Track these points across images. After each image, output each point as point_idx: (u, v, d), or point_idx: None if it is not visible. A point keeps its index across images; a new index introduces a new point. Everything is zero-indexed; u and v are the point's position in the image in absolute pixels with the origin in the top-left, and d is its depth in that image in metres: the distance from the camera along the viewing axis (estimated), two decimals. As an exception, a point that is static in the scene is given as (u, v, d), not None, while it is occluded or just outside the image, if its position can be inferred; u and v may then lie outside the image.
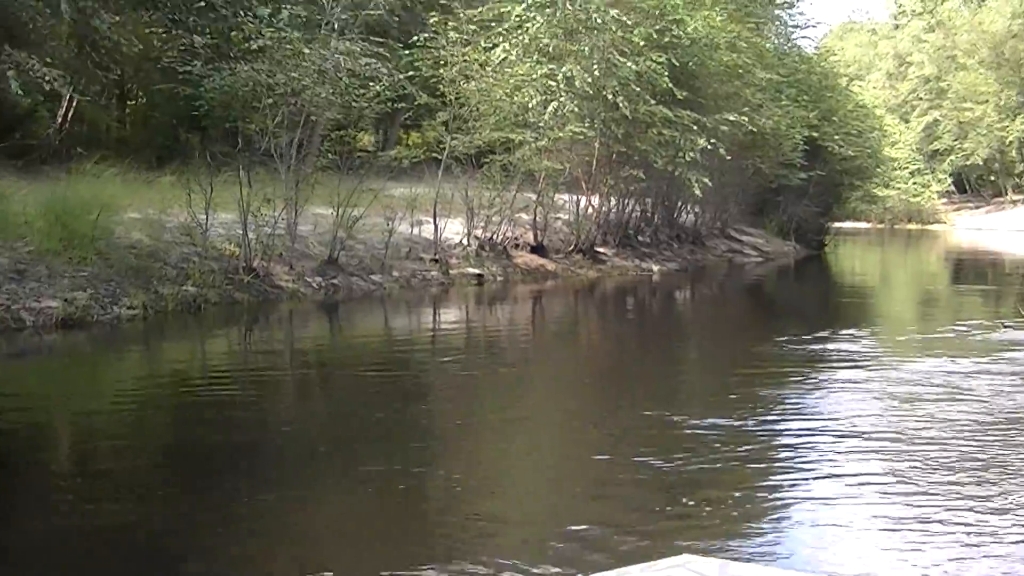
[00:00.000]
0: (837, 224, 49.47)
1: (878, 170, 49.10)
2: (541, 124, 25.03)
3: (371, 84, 20.40)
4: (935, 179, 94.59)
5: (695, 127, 28.03)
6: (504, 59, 24.92)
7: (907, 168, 73.90)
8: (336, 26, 20.89)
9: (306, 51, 19.12)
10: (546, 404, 12.07)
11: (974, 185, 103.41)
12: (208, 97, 19.04)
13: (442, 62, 23.10)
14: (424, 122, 24.63)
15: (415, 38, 23.42)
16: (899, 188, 64.92)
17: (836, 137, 40.73)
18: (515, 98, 24.20)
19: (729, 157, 30.15)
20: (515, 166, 25.10)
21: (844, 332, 17.41)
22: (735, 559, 6.16)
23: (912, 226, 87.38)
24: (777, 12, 43.86)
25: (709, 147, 28.12)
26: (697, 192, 28.83)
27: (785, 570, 6.26)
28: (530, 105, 24.57)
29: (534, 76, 24.67)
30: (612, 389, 13.17)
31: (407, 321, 19.55)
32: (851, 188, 46.80)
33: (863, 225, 68.27)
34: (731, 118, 29.40)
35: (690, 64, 28.64)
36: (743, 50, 31.41)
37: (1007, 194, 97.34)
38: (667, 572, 4.69)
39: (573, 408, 11.79)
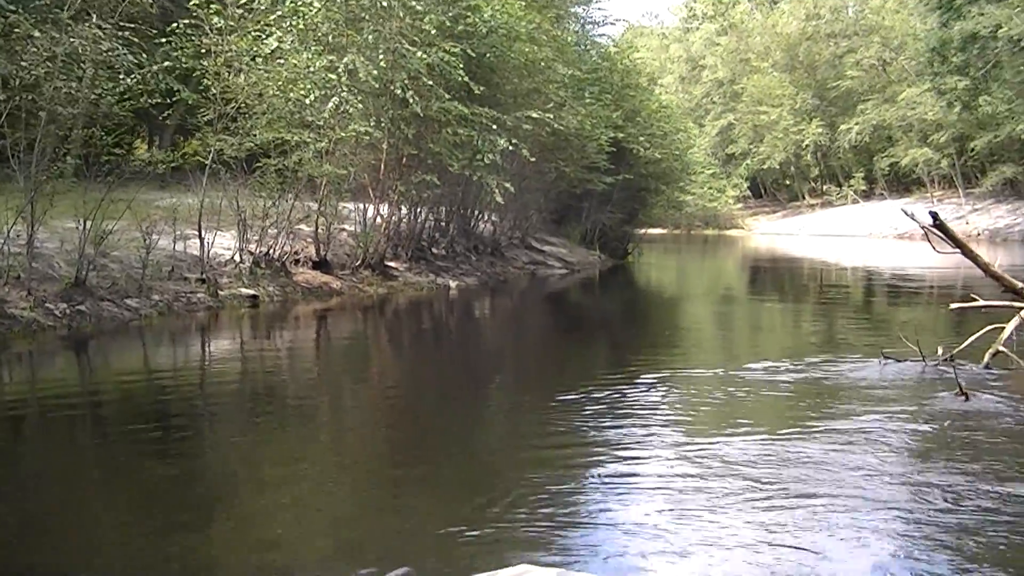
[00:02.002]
0: (640, 231, 47.45)
1: (684, 174, 47.37)
2: (320, 123, 22.00)
3: (121, 77, 17.21)
4: (731, 184, 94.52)
5: (494, 126, 25.37)
6: (277, 49, 21.77)
7: (703, 172, 72.85)
8: (75, 7, 17.40)
9: (36, 34, 15.65)
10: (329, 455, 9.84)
11: (770, 189, 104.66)
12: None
13: (203, 51, 19.92)
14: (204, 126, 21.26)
15: (173, 25, 20.05)
16: (695, 193, 63.63)
17: (641, 139, 38.81)
18: (290, 93, 21.14)
19: (533, 159, 27.62)
20: (292, 171, 22.09)
21: (666, 373, 14.48)
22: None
23: (709, 231, 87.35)
24: (574, 8, 41.65)
25: (511, 148, 25.53)
26: (499, 199, 26.09)
27: None
28: (307, 101, 21.46)
29: (312, 68, 21.59)
30: (401, 430, 11.20)
31: (166, 357, 16.07)
32: (656, 193, 44.85)
33: (659, 231, 66.90)
34: (534, 116, 26.87)
35: (488, 56, 26.00)
36: (544, 43, 29.01)
37: (804, 198, 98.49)
38: None
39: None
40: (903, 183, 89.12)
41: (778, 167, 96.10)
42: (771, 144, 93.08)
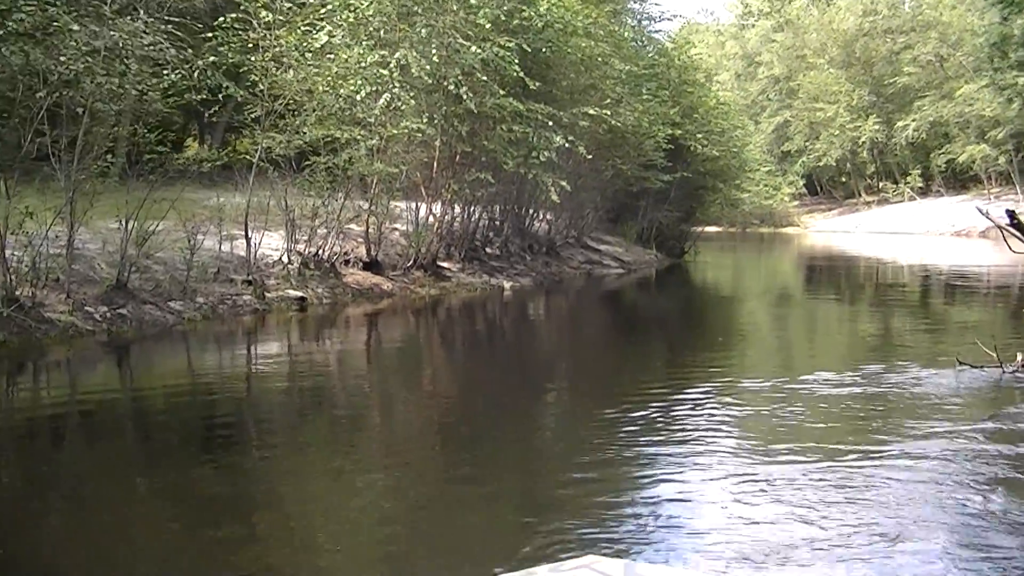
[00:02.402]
0: (695, 229, 46.52)
1: (741, 171, 46.40)
2: (372, 120, 21.32)
3: (166, 73, 16.62)
4: (786, 181, 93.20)
5: (550, 123, 24.66)
6: (326, 44, 21.12)
7: (759, 169, 71.86)
8: (121, 1, 16.79)
9: (75, 28, 15.02)
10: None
11: (826, 186, 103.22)
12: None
13: (251, 46, 19.29)
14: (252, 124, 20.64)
15: (220, 19, 19.42)
16: (751, 190, 62.65)
17: (699, 136, 37.86)
18: (340, 90, 20.47)
19: (589, 156, 26.89)
20: (342, 169, 21.42)
21: (725, 382, 13.81)
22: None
23: (765, 229, 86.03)
24: (631, 4, 40.88)
25: (566, 145, 24.78)
26: (554, 197, 25.34)
27: (689, 570, 6.58)
28: (358, 98, 20.79)
29: (363, 64, 20.94)
30: (455, 443, 10.57)
31: (212, 364, 15.48)
32: (713, 191, 43.91)
33: (715, 229, 66.02)
34: (591, 112, 26.15)
35: (543, 51, 25.32)
36: (600, 38, 28.23)
37: (860, 195, 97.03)
38: (573, 573, 4.87)
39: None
40: (960, 180, 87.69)
41: (834, 164, 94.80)
42: (827, 141, 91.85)
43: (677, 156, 36.20)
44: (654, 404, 11.59)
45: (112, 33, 15.35)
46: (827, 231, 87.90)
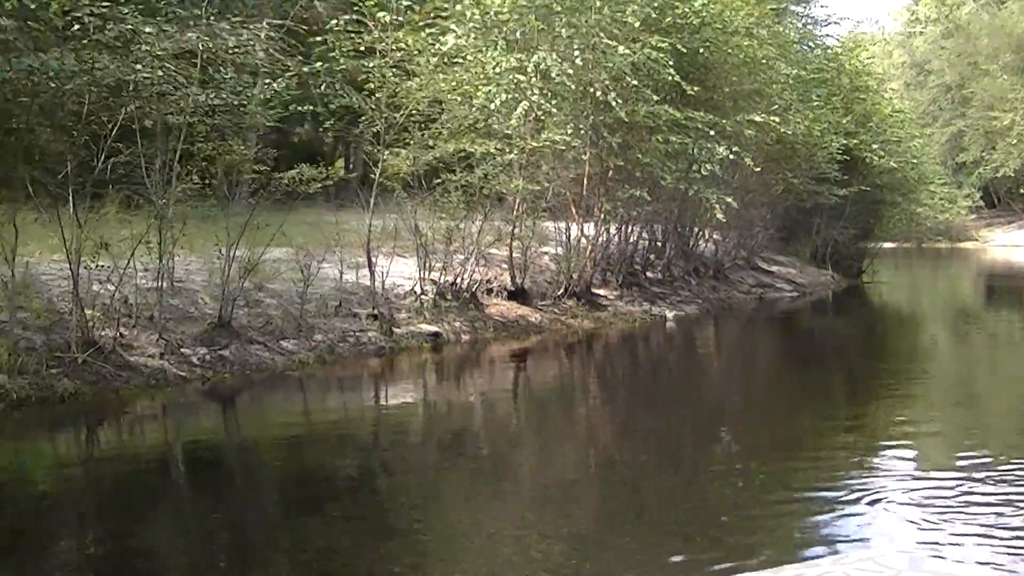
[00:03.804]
0: (871, 245, 43.39)
1: (920, 184, 43.23)
2: (509, 131, 19.01)
3: (265, 80, 14.62)
4: (962, 193, 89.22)
5: (712, 132, 22.08)
6: (454, 46, 18.95)
7: (935, 181, 68.70)
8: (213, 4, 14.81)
9: (148, 30, 12.95)
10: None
11: (1004, 198, 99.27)
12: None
13: (363, 49, 17.17)
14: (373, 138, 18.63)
15: (332, 22, 17.28)
16: (928, 204, 59.52)
17: (875, 146, 34.86)
18: (473, 99, 18.27)
19: (757, 169, 24.28)
20: (478, 187, 19.20)
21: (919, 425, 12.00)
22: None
23: (942, 244, 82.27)
24: (795, 7, 38.22)
25: (731, 157, 22.19)
26: (719, 215, 22.77)
27: (981, 566, 6.49)
28: (492, 107, 18.59)
29: (498, 69, 18.70)
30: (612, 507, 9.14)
31: (328, 424, 12.95)
32: (892, 206, 40.79)
33: (889, 245, 63.08)
34: (757, 120, 23.44)
35: (702, 53, 22.79)
36: (764, 39, 25.60)
37: None
38: (857, 565, 5.27)
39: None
40: None
41: (1013, 175, 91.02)
42: (1005, 151, 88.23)
43: (852, 168, 33.29)
44: (833, 459, 10.61)
45: (191, 35, 13.22)
46: (1009, 245, 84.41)
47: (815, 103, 29.71)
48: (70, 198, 13.07)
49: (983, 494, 8.58)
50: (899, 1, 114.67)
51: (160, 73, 13.03)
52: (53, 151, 13.07)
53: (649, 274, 26.05)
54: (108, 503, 9.05)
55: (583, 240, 22.86)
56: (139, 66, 12.62)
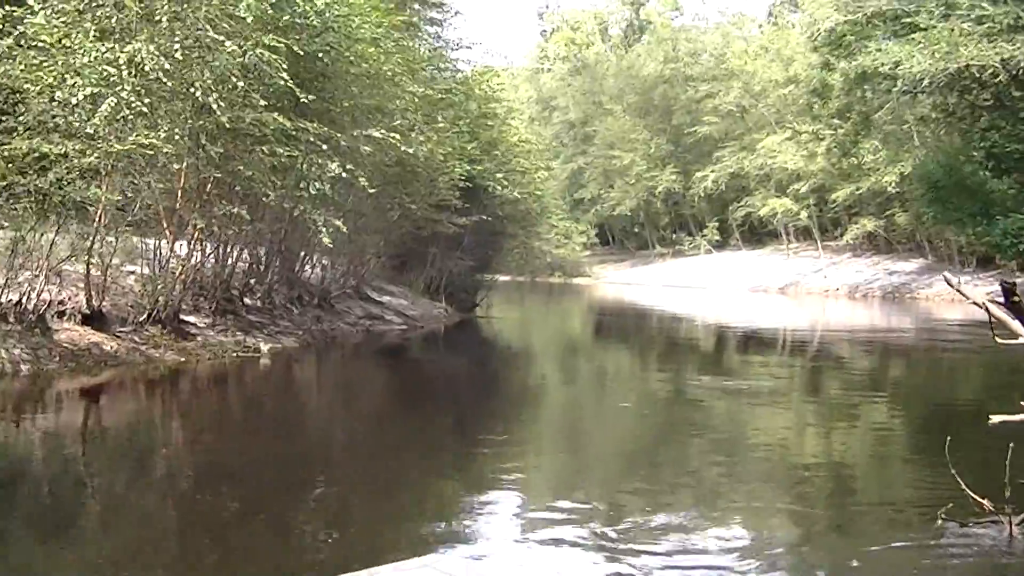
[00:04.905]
0: (488, 277, 42.12)
1: (543, 216, 42.55)
2: (91, 131, 16.14)
3: None
4: (578, 230, 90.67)
5: (324, 146, 19.76)
6: (39, 29, 16.00)
7: (554, 215, 69.19)
8: None
9: None
10: None
11: (619, 237, 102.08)
12: None
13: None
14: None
15: None
16: (546, 238, 59.54)
17: (499, 175, 33.50)
18: (57, 91, 15.48)
19: (372, 190, 22.10)
20: (49, 194, 16.18)
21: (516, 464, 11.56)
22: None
23: (556, 279, 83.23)
24: (429, 27, 36.53)
25: (344, 175, 19.88)
26: (326, 240, 20.38)
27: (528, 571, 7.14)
28: (74, 101, 15.72)
29: (86, 58, 15.88)
30: None
31: None
32: (512, 237, 39.61)
33: (504, 278, 62.96)
34: (376, 135, 21.24)
35: (321, 58, 20.44)
36: (391, 51, 23.55)
37: (653, 247, 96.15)
38: (416, 571, 5.37)
39: None
40: (757, 234, 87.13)
41: (628, 214, 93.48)
42: (622, 190, 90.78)
43: (474, 197, 31.66)
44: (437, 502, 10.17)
45: None
46: (619, 283, 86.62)
47: (441, 125, 27.86)
48: None
49: (576, 537, 8.55)
50: (530, 39, 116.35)
51: None
52: None
53: (248, 300, 23.44)
54: None
55: (174, 260, 20.09)
56: None
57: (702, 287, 75.79)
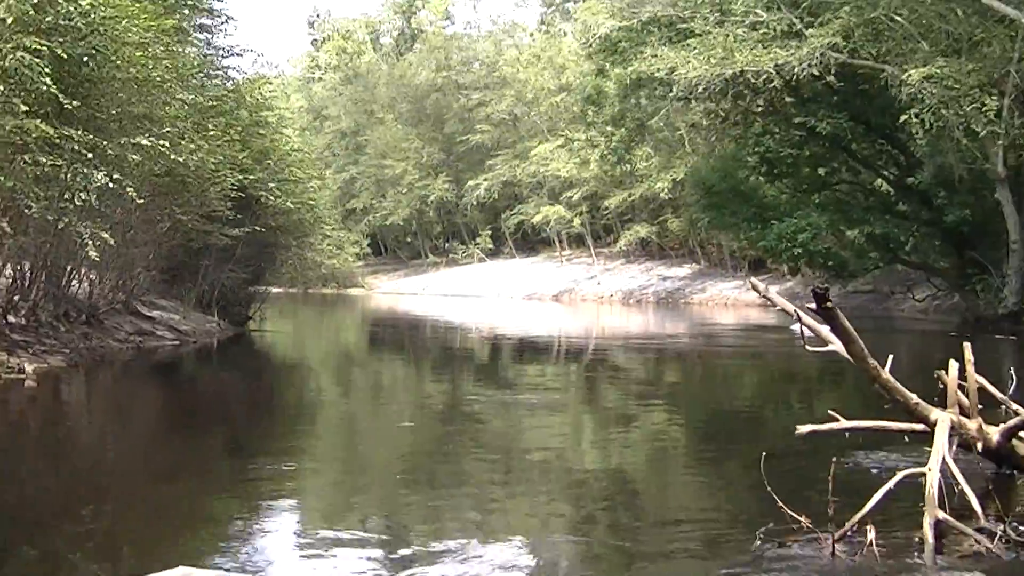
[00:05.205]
0: (261, 289, 41.24)
1: (317, 227, 41.91)
2: None
3: None
4: (351, 240, 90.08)
5: (91, 155, 18.86)
6: None
7: (327, 226, 68.54)
8: None
9: None
10: None
11: (391, 246, 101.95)
12: None
13: None
14: None
15: None
16: (318, 249, 58.93)
17: (272, 185, 32.70)
18: None
19: (140, 200, 21.22)
20: None
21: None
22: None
23: (328, 291, 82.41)
24: (200, 34, 35.40)
25: (111, 185, 19.03)
26: (93, 253, 19.43)
27: None
28: None
29: None
30: None
31: None
32: (286, 249, 38.81)
33: (276, 290, 62.22)
34: (144, 142, 20.36)
35: (87, 63, 19.53)
36: (160, 56, 22.69)
37: (426, 256, 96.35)
38: None
39: None
40: (530, 242, 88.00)
41: (401, 224, 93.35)
42: (395, 199, 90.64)
43: (246, 208, 30.82)
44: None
45: None
46: (393, 293, 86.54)
47: (212, 134, 26.98)
48: None
49: (352, 559, 8.33)
50: (301, 48, 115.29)
51: None
52: None
53: (11, 318, 22.24)
54: None
55: (-74, 274, 18.91)
56: None
57: (476, 295, 76.09)
